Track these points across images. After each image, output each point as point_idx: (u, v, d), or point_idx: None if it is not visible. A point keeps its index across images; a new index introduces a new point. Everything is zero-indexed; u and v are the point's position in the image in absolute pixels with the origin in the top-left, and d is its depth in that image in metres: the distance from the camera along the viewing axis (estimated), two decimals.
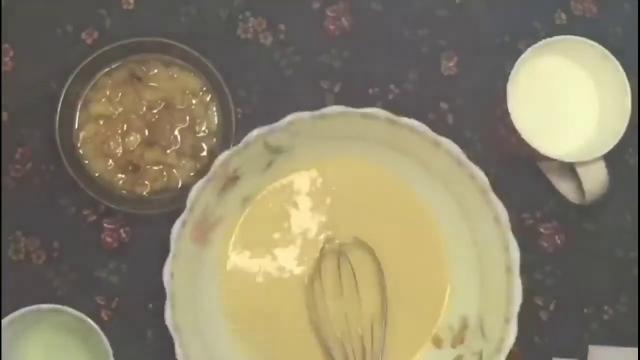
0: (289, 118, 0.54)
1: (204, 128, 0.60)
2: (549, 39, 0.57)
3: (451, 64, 0.64)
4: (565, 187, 0.62)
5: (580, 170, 0.57)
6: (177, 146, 0.60)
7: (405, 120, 0.55)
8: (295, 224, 0.60)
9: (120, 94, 0.60)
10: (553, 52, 0.58)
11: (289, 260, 0.60)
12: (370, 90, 0.63)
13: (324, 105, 0.56)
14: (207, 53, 0.61)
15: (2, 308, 0.57)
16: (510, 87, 0.55)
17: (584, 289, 0.62)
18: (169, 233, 0.53)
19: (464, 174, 0.55)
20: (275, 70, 0.63)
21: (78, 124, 0.60)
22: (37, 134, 0.62)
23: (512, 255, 0.55)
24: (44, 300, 0.55)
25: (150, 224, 0.60)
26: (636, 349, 0.61)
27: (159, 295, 0.53)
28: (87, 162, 0.60)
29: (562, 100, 0.59)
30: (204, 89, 0.61)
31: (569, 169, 0.60)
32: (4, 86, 0.62)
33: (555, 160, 0.56)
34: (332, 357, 0.57)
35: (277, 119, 0.54)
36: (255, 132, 0.54)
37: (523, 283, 0.55)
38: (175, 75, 0.61)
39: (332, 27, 0.64)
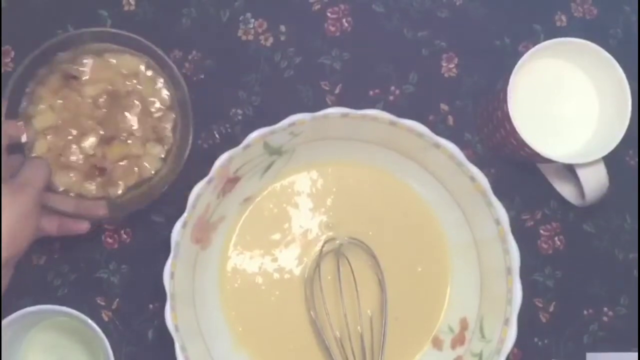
0: (289, 119, 0.54)
1: (158, 105, 0.57)
2: (549, 41, 0.57)
3: (452, 66, 0.64)
4: (565, 189, 0.62)
5: (580, 172, 0.57)
6: (138, 134, 0.56)
7: (405, 121, 0.55)
8: (296, 225, 0.60)
9: (60, 100, 0.56)
10: (553, 54, 0.59)
11: (289, 261, 0.60)
12: (371, 92, 0.64)
13: (325, 106, 0.56)
14: (207, 54, 0.61)
15: (3, 308, 0.57)
16: (511, 89, 0.56)
17: (584, 290, 0.63)
18: (169, 234, 0.53)
19: (464, 176, 0.56)
20: (275, 71, 0.63)
21: (27, 143, 0.55)
22: None
23: (512, 256, 0.55)
24: (44, 301, 0.55)
25: (150, 224, 0.60)
26: (635, 354, 0.61)
27: (160, 295, 0.53)
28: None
29: (562, 102, 0.59)
30: (143, 65, 0.57)
31: (569, 171, 0.60)
32: (4, 87, 0.62)
33: (555, 162, 0.56)
34: (332, 357, 0.57)
35: (277, 120, 0.54)
36: (255, 133, 0.54)
37: (523, 284, 0.55)
38: (111, 60, 0.57)
39: (332, 29, 0.64)
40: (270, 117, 0.54)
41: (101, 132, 0.56)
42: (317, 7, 0.64)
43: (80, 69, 0.56)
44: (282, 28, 0.64)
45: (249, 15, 0.64)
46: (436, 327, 0.60)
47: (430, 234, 0.60)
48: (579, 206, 0.61)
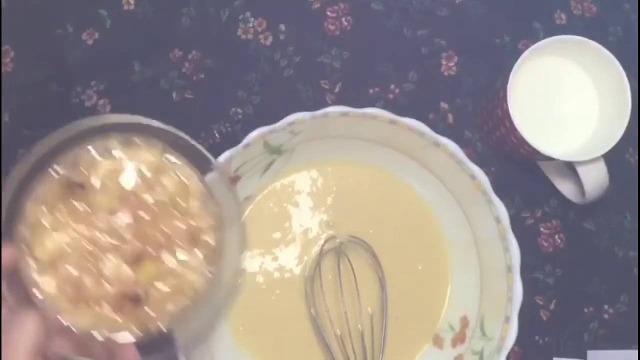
0: (289, 118, 0.54)
1: (189, 202, 0.44)
2: (548, 39, 0.57)
3: (451, 64, 0.64)
4: (565, 187, 0.62)
5: (580, 170, 0.57)
6: (170, 243, 0.43)
7: (405, 120, 0.55)
8: (296, 224, 0.60)
9: (66, 217, 0.43)
10: (553, 52, 0.59)
11: (289, 260, 0.60)
12: (371, 90, 0.64)
13: (325, 105, 0.56)
14: (207, 53, 0.61)
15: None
16: (511, 87, 0.56)
17: (584, 288, 0.63)
18: None
19: (464, 174, 0.56)
20: (275, 70, 0.63)
21: (33, 281, 0.42)
22: (37, 135, 0.61)
23: (512, 254, 0.55)
24: None
25: None
26: (635, 352, 0.61)
27: None
28: (67, 323, 0.42)
29: (562, 100, 0.59)
30: (161, 153, 0.44)
31: (569, 169, 0.60)
32: (4, 87, 0.62)
33: (556, 159, 0.56)
34: (333, 356, 0.57)
35: (277, 120, 0.54)
36: (255, 133, 0.54)
37: (523, 282, 0.55)
38: (119, 155, 0.44)
39: (332, 28, 0.64)
40: (270, 116, 0.54)
41: (125, 250, 0.43)
42: (316, 6, 0.64)
43: (85, 172, 0.43)
44: (282, 27, 0.64)
45: (248, 14, 0.64)
46: (437, 326, 0.60)
47: (431, 232, 0.60)
48: (579, 204, 0.61)
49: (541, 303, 0.62)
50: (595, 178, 0.57)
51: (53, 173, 0.43)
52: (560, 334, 0.62)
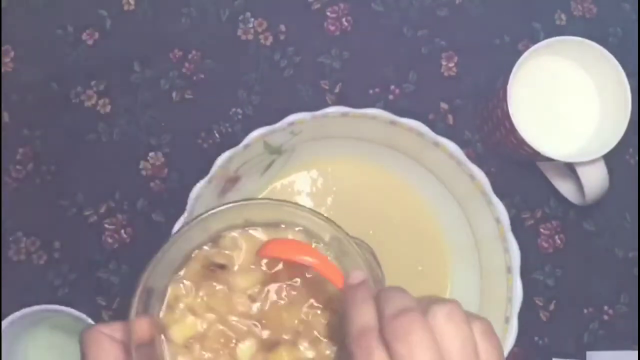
0: (289, 118, 0.54)
1: (330, 287, 0.41)
2: (548, 40, 0.57)
3: (451, 65, 0.64)
4: (565, 188, 0.62)
5: (580, 171, 0.57)
6: (309, 332, 0.41)
7: (405, 120, 0.55)
8: None
9: (203, 298, 0.41)
10: (553, 53, 0.59)
11: None
12: (371, 91, 0.64)
13: (324, 105, 0.56)
14: (207, 53, 0.61)
15: (3, 308, 0.57)
16: (510, 88, 0.55)
17: (584, 289, 0.63)
18: (169, 234, 0.52)
19: (464, 174, 0.56)
20: (275, 70, 0.63)
21: None
22: (37, 135, 0.62)
23: (512, 255, 0.55)
24: (44, 301, 0.55)
25: (150, 224, 0.60)
26: (635, 352, 0.61)
27: None
28: None
29: (562, 100, 0.59)
30: (304, 236, 0.43)
31: (569, 169, 0.60)
32: (4, 86, 0.62)
33: (556, 160, 0.56)
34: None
35: (277, 120, 0.54)
36: (255, 133, 0.54)
37: (523, 283, 0.55)
38: (259, 237, 0.42)
39: (332, 28, 0.64)
40: (270, 116, 0.54)
41: (261, 334, 0.41)
42: (316, 6, 0.64)
43: (227, 252, 0.41)
44: (282, 27, 0.64)
45: (248, 14, 0.64)
46: None
47: (431, 233, 0.60)
48: (579, 205, 0.61)
49: (541, 304, 0.62)
50: (595, 179, 0.57)
51: (194, 253, 0.41)
52: (560, 334, 0.62)
